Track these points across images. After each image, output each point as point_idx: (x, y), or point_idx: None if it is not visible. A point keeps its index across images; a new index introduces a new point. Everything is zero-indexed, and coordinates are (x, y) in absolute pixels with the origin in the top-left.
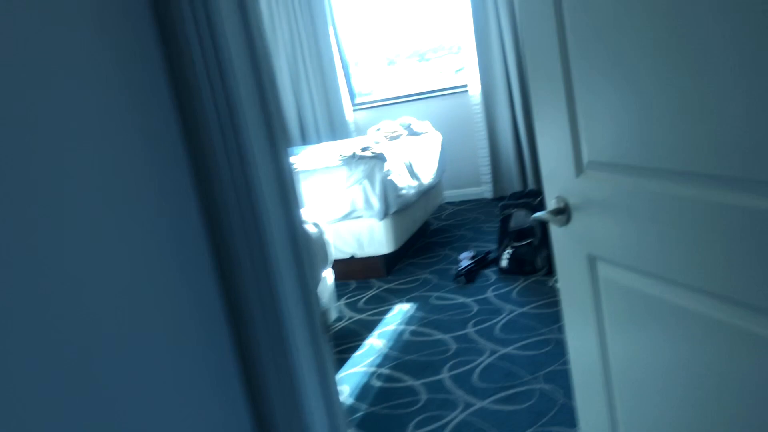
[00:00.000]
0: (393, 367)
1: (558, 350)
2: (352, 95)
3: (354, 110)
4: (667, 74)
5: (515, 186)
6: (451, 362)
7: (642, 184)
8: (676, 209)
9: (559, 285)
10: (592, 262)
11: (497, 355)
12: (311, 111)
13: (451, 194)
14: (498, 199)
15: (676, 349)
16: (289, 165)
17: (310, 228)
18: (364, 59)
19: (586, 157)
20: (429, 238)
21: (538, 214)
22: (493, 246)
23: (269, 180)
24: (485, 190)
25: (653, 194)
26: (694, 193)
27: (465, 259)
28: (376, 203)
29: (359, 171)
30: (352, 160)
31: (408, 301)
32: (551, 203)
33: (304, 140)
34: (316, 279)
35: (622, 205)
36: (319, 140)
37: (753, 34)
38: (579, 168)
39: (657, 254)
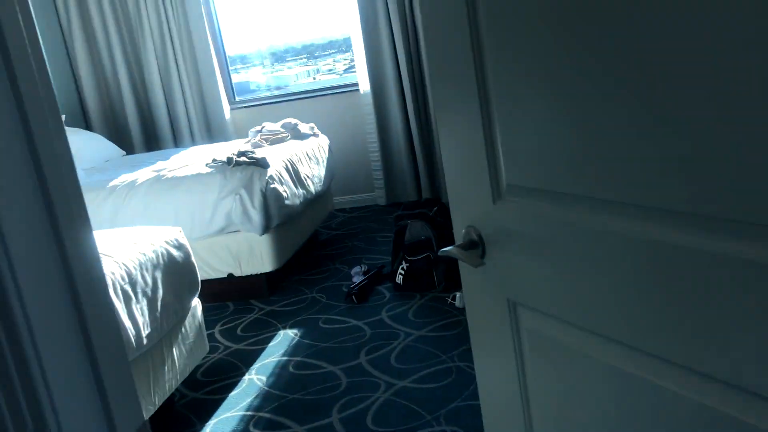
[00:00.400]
0: (274, 410)
1: (460, 381)
2: (231, 93)
3: (232, 109)
4: (612, 82)
5: (409, 192)
6: (342, 401)
7: (572, 216)
8: (611, 247)
9: (468, 317)
10: (512, 308)
11: (393, 389)
12: (183, 109)
13: (341, 201)
14: (392, 205)
15: (606, 409)
16: (68, 167)
17: (172, 250)
18: (246, 54)
19: (505, 180)
20: (318, 250)
21: (445, 250)
22: (387, 259)
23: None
24: (378, 197)
25: (586, 229)
26: (631, 228)
27: (357, 275)
28: (256, 216)
29: (235, 179)
30: (227, 166)
31: (293, 326)
32: (460, 235)
33: (177, 143)
34: (184, 310)
35: (548, 240)
36: (193, 142)
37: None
38: (496, 193)
39: (587, 302)
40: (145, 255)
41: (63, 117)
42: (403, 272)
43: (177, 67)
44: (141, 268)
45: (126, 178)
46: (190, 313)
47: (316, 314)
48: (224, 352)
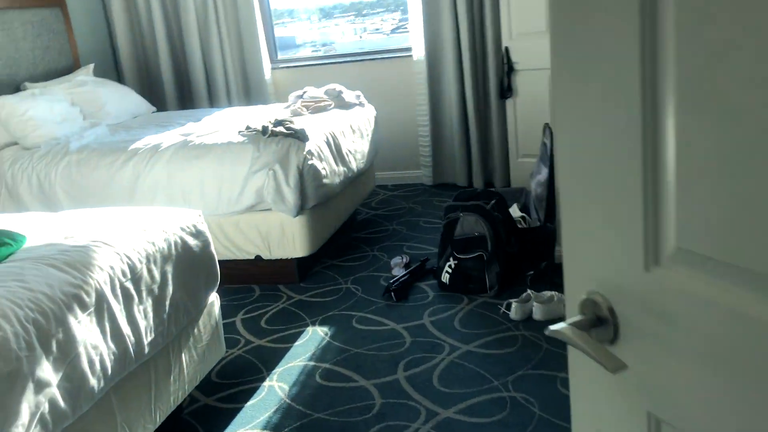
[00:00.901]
0: (295, 430)
1: (516, 418)
2: (273, 49)
3: (273, 69)
4: None
5: (458, 175)
6: (374, 429)
7: None
8: None
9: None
10: (655, 428)
11: (435, 421)
12: (221, 65)
13: (383, 177)
14: (438, 186)
15: None
16: None
17: (188, 238)
18: (294, 9)
19: (673, 239)
20: (355, 231)
21: (555, 329)
22: (431, 251)
23: None
24: (424, 175)
25: None
26: None
27: (397, 267)
28: (290, 196)
29: (270, 152)
30: (261, 136)
31: (323, 322)
32: (574, 303)
33: (212, 101)
34: (198, 308)
35: (729, 339)
36: (229, 103)
37: None
38: (652, 255)
39: None
40: (154, 245)
41: (92, 66)
42: (450, 270)
43: (216, 16)
44: (148, 261)
45: (150, 140)
46: (205, 311)
47: (350, 310)
48: (244, 348)
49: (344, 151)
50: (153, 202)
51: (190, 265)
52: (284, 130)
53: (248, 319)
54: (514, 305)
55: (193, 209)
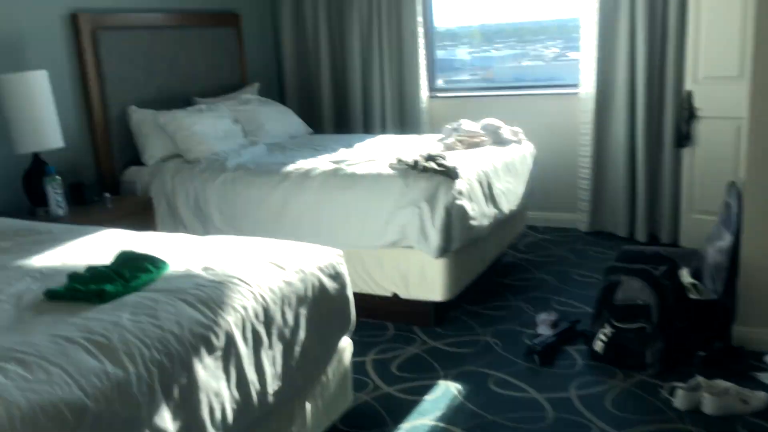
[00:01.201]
0: None
1: None
2: (432, 77)
3: (431, 97)
4: None
5: (619, 224)
6: None
7: None
8: None
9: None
10: None
11: None
12: (379, 90)
13: (534, 216)
14: (594, 234)
15: None
16: None
17: (326, 280)
18: (455, 29)
19: None
20: (500, 276)
21: None
22: (584, 310)
23: None
24: (579, 220)
25: None
26: None
27: (543, 324)
28: (434, 236)
29: (418, 189)
30: (411, 171)
31: (457, 378)
32: None
33: (366, 127)
34: (328, 355)
35: None
36: (383, 130)
37: None
38: None
39: None
40: (290, 285)
41: (257, 85)
42: (605, 339)
43: (380, 41)
44: (282, 303)
45: (302, 165)
46: (335, 356)
47: (487, 368)
48: (372, 394)
49: (496, 191)
50: (299, 227)
51: (325, 308)
52: (435, 166)
53: (379, 361)
54: (679, 392)
55: (336, 240)
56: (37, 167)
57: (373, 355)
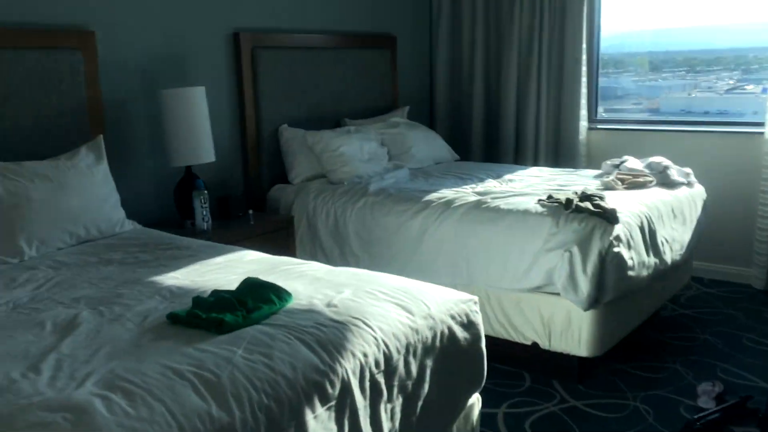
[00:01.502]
0: None
1: None
2: (593, 107)
3: (590, 129)
4: None
5: None
6: None
7: None
8: None
9: None
10: None
11: None
12: (533, 119)
13: (700, 267)
14: None
15: None
16: None
17: (457, 329)
18: (620, 56)
19: None
20: (656, 331)
21: None
22: (757, 386)
23: None
24: (755, 276)
25: None
26: None
27: (705, 396)
28: (584, 285)
29: (570, 231)
30: (563, 210)
31: None
32: None
33: (517, 158)
34: (454, 412)
35: None
36: (535, 162)
37: None
38: None
39: None
40: (417, 333)
41: (407, 108)
42: None
43: (538, 66)
44: (407, 352)
45: (445, 194)
46: (462, 414)
47: None
48: None
49: (660, 239)
50: (436, 259)
51: (455, 361)
52: (591, 207)
53: (512, 416)
54: None
55: (475, 278)
56: (188, 180)
57: (506, 408)
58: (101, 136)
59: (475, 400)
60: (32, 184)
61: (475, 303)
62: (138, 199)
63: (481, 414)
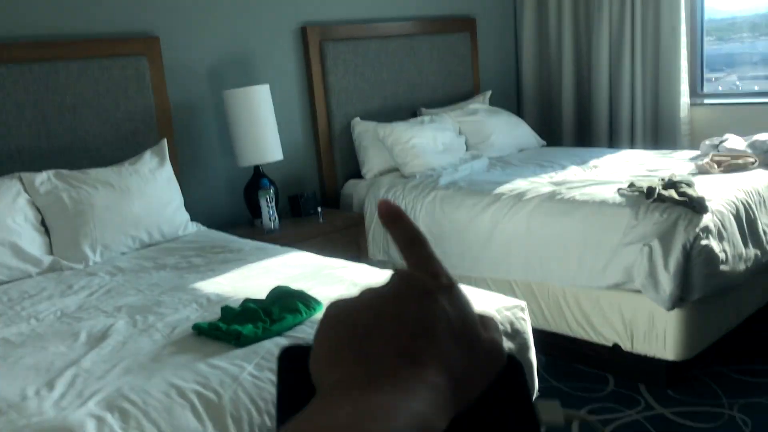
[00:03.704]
0: None
1: None
2: (698, 79)
3: (693, 105)
4: None
5: None
6: None
7: None
8: None
9: None
10: None
11: None
12: (629, 98)
13: None
14: None
15: None
16: None
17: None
18: (731, 18)
19: None
20: (763, 330)
21: None
22: None
23: None
24: None
25: None
26: None
27: None
28: (666, 283)
29: (650, 222)
30: (644, 200)
31: None
32: None
33: (612, 141)
34: None
35: None
36: (632, 144)
37: None
38: None
39: None
40: None
41: (489, 93)
42: None
43: (632, 38)
44: None
45: (519, 185)
46: None
47: None
48: None
49: (761, 228)
50: (508, 255)
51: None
52: (675, 196)
53: (589, 424)
54: None
55: (549, 275)
56: (256, 180)
57: (586, 413)
58: (165, 139)
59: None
60: (95, 190)
61: (522, 309)
62: (210, 201)
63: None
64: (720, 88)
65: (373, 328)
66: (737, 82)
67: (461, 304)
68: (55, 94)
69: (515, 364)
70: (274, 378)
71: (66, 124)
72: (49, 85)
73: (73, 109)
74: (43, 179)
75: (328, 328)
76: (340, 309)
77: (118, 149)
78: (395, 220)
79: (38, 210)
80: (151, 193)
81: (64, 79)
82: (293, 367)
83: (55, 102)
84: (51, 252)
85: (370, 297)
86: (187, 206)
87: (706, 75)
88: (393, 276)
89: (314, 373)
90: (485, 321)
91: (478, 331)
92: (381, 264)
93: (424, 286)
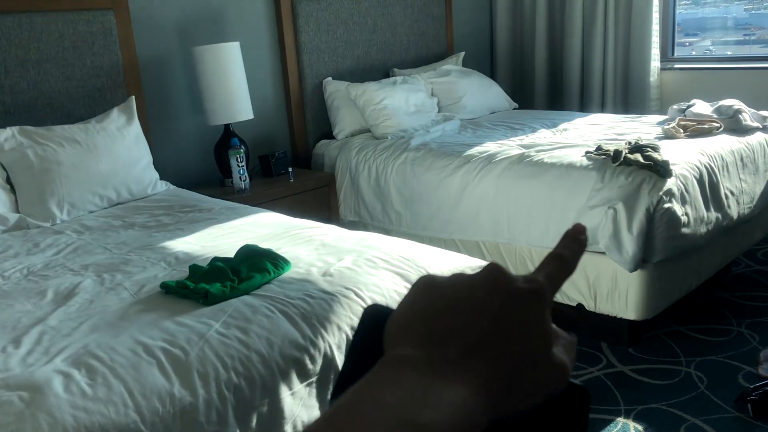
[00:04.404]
0: None
1: None
2: (668, 43)
3: (663, 69)
4: None
5: None
6: None
7: None
8: None
9: None
10: None
11: None
12: (600, 62)
13: None
14: None
15: None
16: None
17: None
18: None
19: None
20: (723, 289)
21: None
22: None
23: None
24: None
25: None
26: None
27: (767, 363)
28: (629, 245)
29: (615, 186)
30: (610, 164)
31: (641, 417)
32: None
33: (583, 105)
34: None
35: None
36: (602, 108)
37: None
38: None
39: None
40: None
41: (462, 54)
42: None
43: (605, 3)
44: None
45: (489, 147)
46: None
47: (682, 410)
48: None
49: (723, 192)
50: (477, 217)
51: None
52: (641, 160)
53: None
54: None
55: (517, 236)
56: (227, 139)
57: None
58: (132, 97)
59: None
60: (62, 148)
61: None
62: (180, 159)
63: None
64: (693, 52)
65: (449, 312)
66: (710, 47)
67: (541, 316)
68: (18, 48)
69: (585, 396)
70: (241, 336)
71: (30, 80)
72: (12, 38)
73: (37, 64)
74: (7, 136)
75: (412, 297)
76: (428, 283)
77: (85, 106)
78: (581, 244)
79: (3, 167)
80: (119, 151)
81: (27, 33)
82: (373, 326)
83: (18, 56)
84: (17, 210)
85: (457, 281)
86: (156, 165)
87: (681, 40)
88: (486, 267)
89: (386, 336)
90: (565, 341)
91: (550, 348)
92: (351, 225)
93: (511, 286)
